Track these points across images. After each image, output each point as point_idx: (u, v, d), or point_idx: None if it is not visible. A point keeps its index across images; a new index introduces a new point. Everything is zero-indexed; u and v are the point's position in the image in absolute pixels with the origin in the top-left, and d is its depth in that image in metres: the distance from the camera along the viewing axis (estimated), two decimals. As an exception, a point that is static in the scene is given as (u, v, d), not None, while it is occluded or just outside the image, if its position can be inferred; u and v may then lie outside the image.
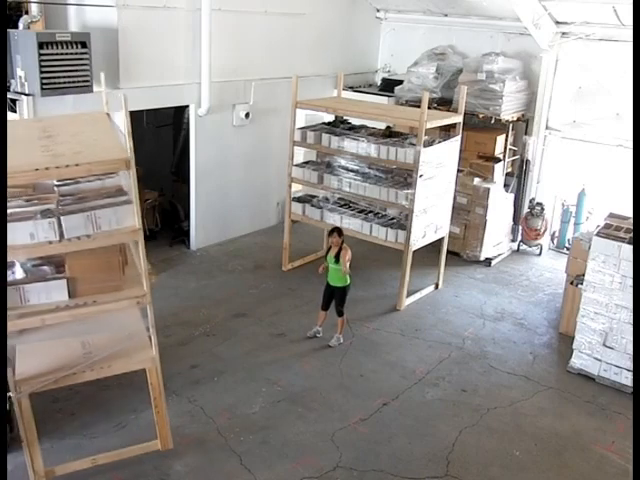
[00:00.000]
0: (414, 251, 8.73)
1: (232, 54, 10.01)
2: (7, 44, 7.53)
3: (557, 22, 10.40)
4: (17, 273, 5.03)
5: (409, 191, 8.37)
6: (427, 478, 5.76)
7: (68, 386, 5.49)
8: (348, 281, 7.76)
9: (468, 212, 10.48)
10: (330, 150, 9.22)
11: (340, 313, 7.84)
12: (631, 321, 7.00)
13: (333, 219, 9.11)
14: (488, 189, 10.31)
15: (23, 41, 7.50)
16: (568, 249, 10.30)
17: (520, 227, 11.37)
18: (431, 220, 8.88)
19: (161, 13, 8.83)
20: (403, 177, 8.87)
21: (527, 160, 11.28)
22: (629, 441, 6.20)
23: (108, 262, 5.06)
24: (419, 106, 8.25)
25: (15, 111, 7.53)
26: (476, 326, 8.58)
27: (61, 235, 4.72)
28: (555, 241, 11.45)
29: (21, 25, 7.92)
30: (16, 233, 4.66)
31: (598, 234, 7.34)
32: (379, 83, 12.78)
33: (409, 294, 9.06)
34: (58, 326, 5.18)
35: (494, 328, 8.56)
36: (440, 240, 9.35)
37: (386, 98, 11.62)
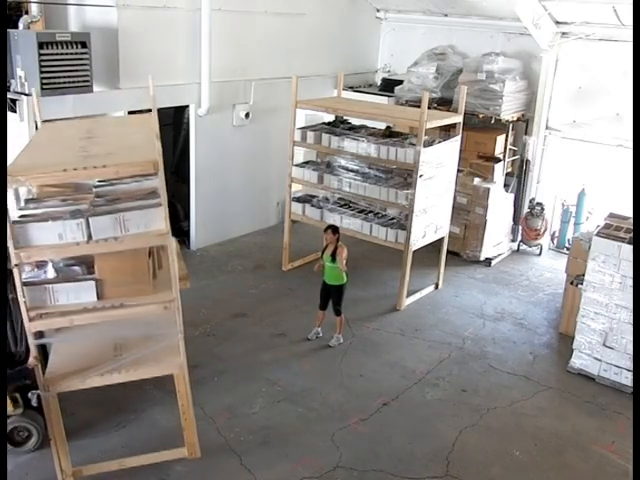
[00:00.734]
0: (414, 251, 8.73)
1: (232, 54, 10.01)
2: (7, 44, 7.52)
3: (557, 22, 10.40)
4: (49, 272, 5.04)
5: (409, 191, 8.37)
6: (427, 478, 5.76)
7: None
8: (345, 279, 7.75)
9: (468, 212, 10.48)
10: (330, 150, 9.22)
11: (338, 312, 7.84)
12: (631, 321, 7.00)
13: (333, 219, 9.10)
14: (488, 189, 10.31)
15: (23, 41, 7.49)
16: (568, 249, 10.30)
17: (520, 227, 11.37)
18: (431, 220, 8.88)
19: (161, 13, 8.83)
20: (403, 177, 8.87)
21: (527, 160, 11.28)
22: (629, 441, 6.19)
23: (137, 265, 4.99)
24: (419, 106, 8.25)
25: (15, 111, 7.53)
26: (476, 326, 8.58)
27: (89, 236, 4.69)
28: (555, 241, 11.45)
29: (21, 25, 7.92)
30: (45, 233, 4.65)
31: (598, 234, 7.34)
32: (379, 83, 12.78)
33: (409, 294, 9.06)
34: (93, 326, 5.16)
35: (494, 328, 8.56)
36: (440, 240, 9.35)
37: (386, 98, 11.62)
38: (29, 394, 5.45)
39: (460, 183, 9.86)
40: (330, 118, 10.06)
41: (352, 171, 9.27)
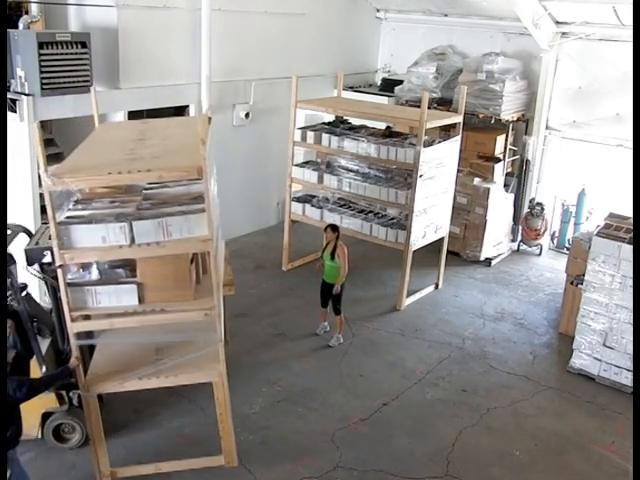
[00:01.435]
0: (414, 251, 8.72)
1: (232, 54, 10.00)
2: (7, 44, 7.52)
3: (557, 22, 10.40)
4: (93, 274, 5.04)
5: (409, 191, 8.37)
6: (427, 478, 5.76)
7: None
8: (344, 278, 7.77)
9: (468, 212, 10.47)
10: (330, 150, 9.22)
11: (337, 311, 7.87)
12: (631, 321, 7.00)
13: (333, 219, 9.10)
14: (488, 189, 10.31)
15: (23, 41, 7.50)
16: (568, 249, 10.30)
17: (520, 227, 11.37)
18: (431, 220, 8.88)
19: (161, 13, 8.83)
20: (403, 177, 8.86)
21: (527, 160, 11.28)
22: (629, 441, 6.19)
23: (178, 270, 4.96)
24: (419, 106, 8.25)
25: (15, 111, 7.53)
26: (476, 326, 8.58)
27: (132, 240, 4.68)
28: (555, 241, 11.45)
29: (21, 25, 7.92)
30: (89, 235, 4.65)
31: (598, 234, 7.34)
32: (379, 83, 12.78)
33: (409, 294, 9.06)
34: (135, 328, 5.17)
35: (494, 328, 8.55)
36: (440, 240, 9.35)
37: (386, 98, 11.62)
38: (70, 393, 5.50)
39: (460, 183, 9.85)
40: (330, 118, 10.06)
41: (352, 171, 9.27)
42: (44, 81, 7.44)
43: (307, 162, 9.94)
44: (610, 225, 7.56)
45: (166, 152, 5.18)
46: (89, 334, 5.22)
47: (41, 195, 8.00)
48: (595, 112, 10.58)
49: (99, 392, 5.26)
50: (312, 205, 9.52)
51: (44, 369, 5.53)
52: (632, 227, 7.17)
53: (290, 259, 9.93)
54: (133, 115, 8.87)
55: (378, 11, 12.71)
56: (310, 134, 9.23)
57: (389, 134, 9.20)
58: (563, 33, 10.52)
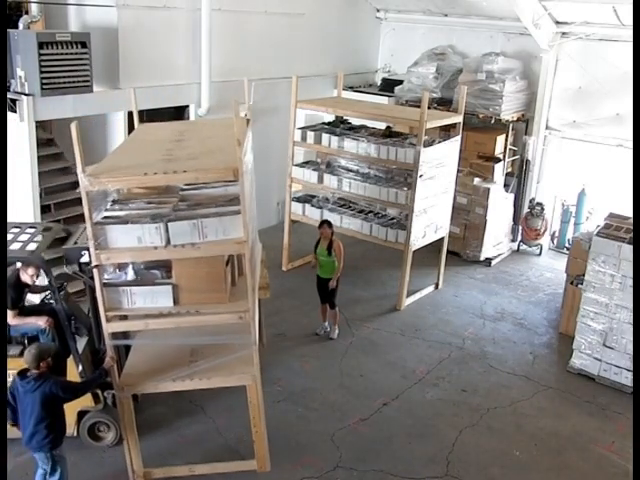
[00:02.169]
0: (414, 251, 8.72)
1: (232, 54, 10.00)
2: (7, 44, 7.52)
3: (557, 22, 10.40)
4: (129, 274, 5.04)
5: (409, 191, 8.37)
6: (427, 478, 5.76)
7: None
8: (339, 273, 7.81)
9: (468, 212, 10.47)
10: (330, 150, 9.21)
11: (332, 305, 7.92)
12: (631, 321, 7.00)
13: (333, 219, 9.07)
14: (488, 189, 10.31)
15: (23, 41, 7.50)
16: (568, 249, 10.29)
17: (520, 227, 11.37)
18: (431, 220, 8.88)
19: (161, 13, 8.83)
20: (403, 177, 8.87)
21: (527, 160, 11.28)
22: (629, 441, 6.19)
23: (213, 272, 4.92)
24: (419, 106, 8.25)
25: (15, 111, 7.53)
26: (476, 326, 8.58)
27: (167, 241, 4.67)
28: (555, 241, 11.45)
29: (21, 25, 7.92)
30: (125, 235, 4.65)
31: (598, 234, 7.34)
32: (379, 83, 12.78)
33: (409, 294, 9.05)
34: (171, 329, 5.15)
35: (494, 328, 8.55)
36: (440, 240, 9.35)
37: (386, 98, 11.62)
38: (105, 392, 5.50)
39: (460, 183, 9.86)
40: (330, 118, 10.05)
41: (352, 171, 9.27)
42: (44, 81, 7.44)
43: (307, 162, 9.94)
44: (610, 225, 7.55)
45: (203, 153, 5.16)
46: (124, 334, 5.23)
47: (41, 195, 8.01)
48: (595, 112, 10.58)
49: (133, 392, 5.26)
50: (312, 205, 9.52)
51: (80, 368, 5.56)
52: (632, 227, 7.17)
53: (290, 259, 9.93)
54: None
55: (378, 11, 12.71)
56: (310, 134, 9.23)
57: (389, 134, 9.20)
58: (563, 33, 10.52)
